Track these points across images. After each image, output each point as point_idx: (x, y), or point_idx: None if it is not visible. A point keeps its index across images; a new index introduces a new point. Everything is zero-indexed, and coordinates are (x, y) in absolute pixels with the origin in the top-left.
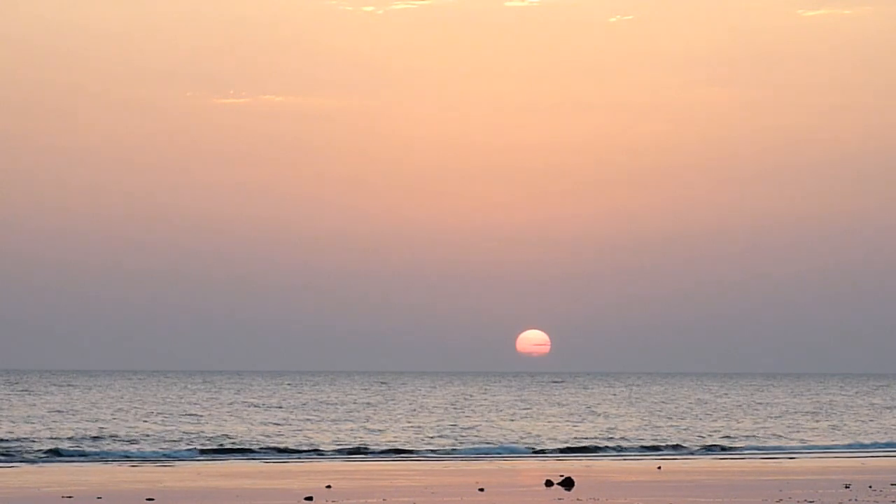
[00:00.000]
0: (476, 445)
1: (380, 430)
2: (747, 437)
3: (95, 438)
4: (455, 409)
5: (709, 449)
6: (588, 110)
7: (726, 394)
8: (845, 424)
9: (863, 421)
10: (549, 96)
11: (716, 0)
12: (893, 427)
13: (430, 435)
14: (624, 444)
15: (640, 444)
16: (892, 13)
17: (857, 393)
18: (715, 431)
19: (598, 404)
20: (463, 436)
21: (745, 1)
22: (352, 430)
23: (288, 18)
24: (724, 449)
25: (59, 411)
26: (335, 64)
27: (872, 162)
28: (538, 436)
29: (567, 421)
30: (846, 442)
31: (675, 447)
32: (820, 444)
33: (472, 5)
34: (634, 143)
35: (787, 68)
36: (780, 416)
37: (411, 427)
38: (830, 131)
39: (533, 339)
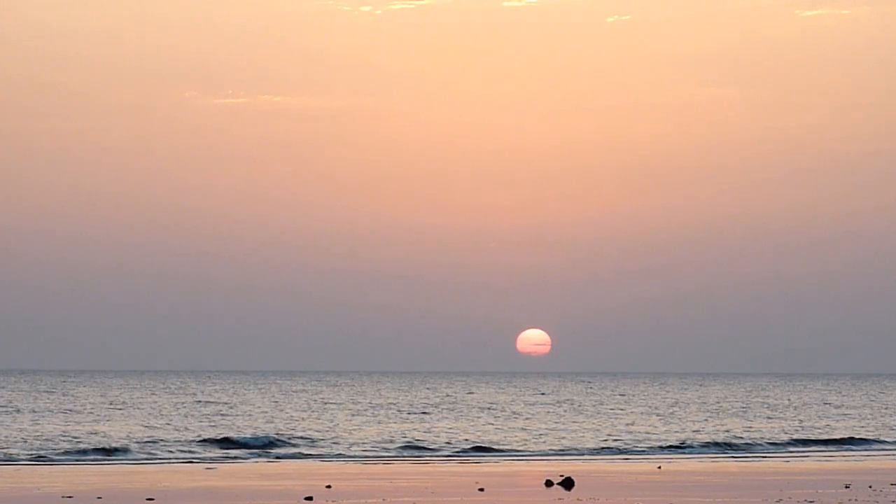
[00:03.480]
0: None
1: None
2: None
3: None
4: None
5: None
6: (586, 111)
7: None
8: None
9: None
10: (546, 97)
11: (713, 0)
12: None
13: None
14: None
15: None
16: (890, 13)
17: None
18: None
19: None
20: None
21: (743, 1)
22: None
23: (286, 19)
24: None
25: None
26: (333, 64)
27: (872, 161)
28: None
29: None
30: None
31: None
32: None
33: (469, 5)
34: (633, 144)
35: (785, 68)
36: None
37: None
38: (830, 131)
39: (533, 339)
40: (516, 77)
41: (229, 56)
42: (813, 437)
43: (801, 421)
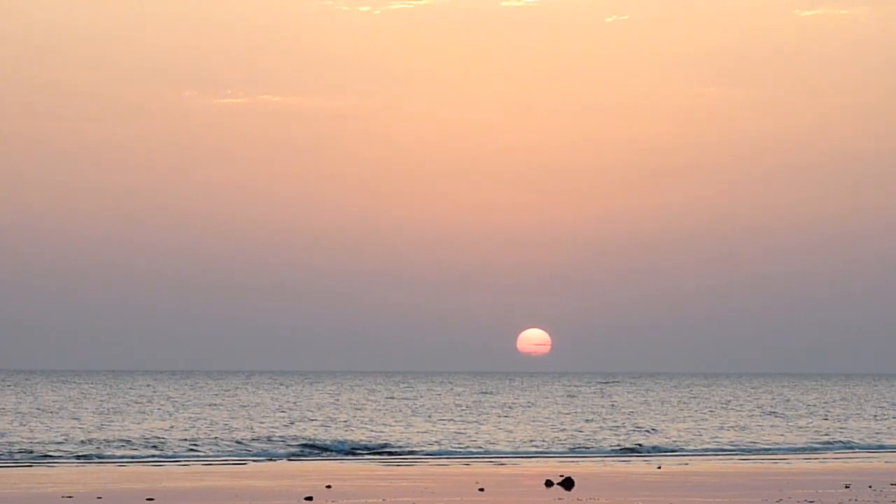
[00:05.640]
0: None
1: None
2: None
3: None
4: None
5: None
6: (585, 111)
7: None
8: None
9: None
10: (546, 97)
11: (712, 0)
12: None
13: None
14: None
15: None
16: (890, 13)
17: None
18: None
19: None
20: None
21: (742, 1)
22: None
23: (285, 19)
24: None
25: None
26: (332, 64)
27: (872, 161)
28: None
29: None
30: None
31: None
32: None
33: (468, 5)
34: (632, 144)
35: (785, 68)
36: None
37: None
38: (829, 131)
39: (533, 339)
40: (515, 77)
41: (229, 56)
42: None
43: None
